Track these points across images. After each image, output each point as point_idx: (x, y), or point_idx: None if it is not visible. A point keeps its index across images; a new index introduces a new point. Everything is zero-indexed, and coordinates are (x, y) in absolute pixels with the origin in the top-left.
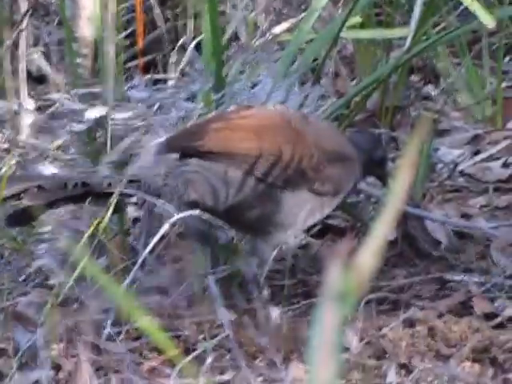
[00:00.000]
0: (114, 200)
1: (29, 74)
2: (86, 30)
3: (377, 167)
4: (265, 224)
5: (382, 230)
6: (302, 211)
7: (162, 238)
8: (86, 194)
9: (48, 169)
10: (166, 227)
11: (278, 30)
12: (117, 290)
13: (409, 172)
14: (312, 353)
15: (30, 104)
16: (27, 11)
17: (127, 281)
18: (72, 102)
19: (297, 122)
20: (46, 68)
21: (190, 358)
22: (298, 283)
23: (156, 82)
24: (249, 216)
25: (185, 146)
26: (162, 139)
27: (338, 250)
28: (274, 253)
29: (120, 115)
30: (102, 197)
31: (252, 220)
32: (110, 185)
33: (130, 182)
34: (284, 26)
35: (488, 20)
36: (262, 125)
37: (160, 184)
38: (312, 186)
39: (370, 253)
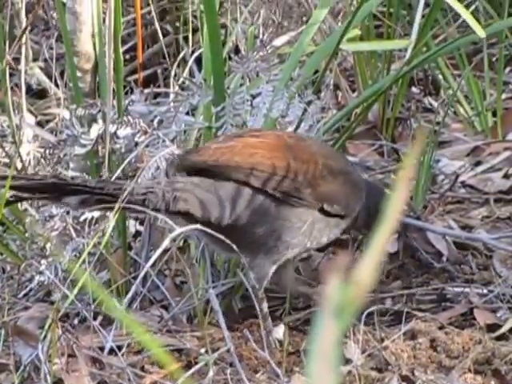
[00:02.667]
0: (116, 213)
1: (29, 88)
2: (86, 44)
3: (372, 219)
4: (270, 240)
5: (381, 242)
6: (309, 230)
7: (164, 252)
8: (81, 189)
9: None
10: (167, 241)
11: (278, 42)
12: (117, 305)
13: (408, 183)
14: (311, 366)
15: (30, 119)
16: (27, 26)
17: (129, 295)
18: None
19: (305, 144)
20: (46, 83)
21: (191, 371)
22: (300, 296)
23: (156, 95)
24: (254, 231)
25: (196, 162)
26: (164, 153)
27: (337, 262)
28: (274, 268)
29: (121, 132)
30: (98, 196)
31: (257, 235)
32: (112, 190)
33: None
34: (284, 38)
35: (479, 30)
36: (273, 143)
37: (158, 195)
38: (321, 206)
39: (369, 265)
